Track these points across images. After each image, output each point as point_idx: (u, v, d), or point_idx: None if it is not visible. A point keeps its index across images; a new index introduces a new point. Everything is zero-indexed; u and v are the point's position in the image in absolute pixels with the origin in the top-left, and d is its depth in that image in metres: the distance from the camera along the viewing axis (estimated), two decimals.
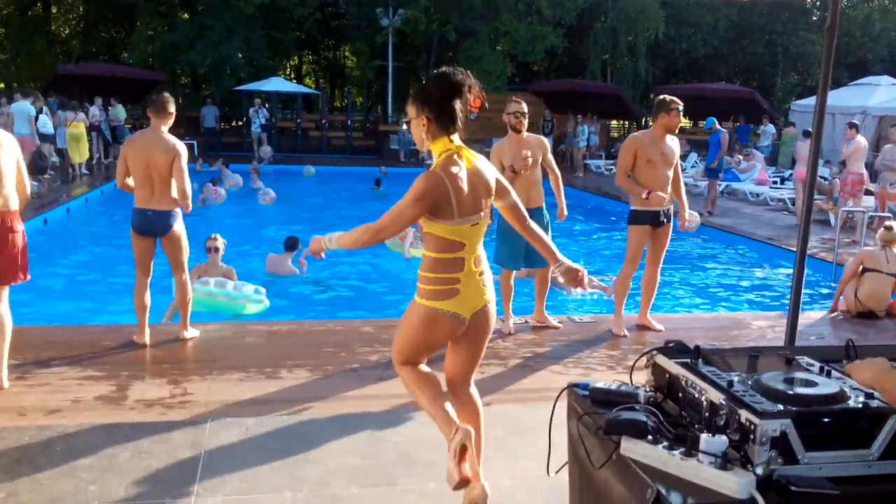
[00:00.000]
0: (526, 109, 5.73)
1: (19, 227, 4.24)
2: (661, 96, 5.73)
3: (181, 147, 5.03)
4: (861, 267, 6.72)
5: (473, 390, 3.13)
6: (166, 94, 5.18)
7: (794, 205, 13.58)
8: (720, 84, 26.67)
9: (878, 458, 1.82)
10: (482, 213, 2.87)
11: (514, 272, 5.94)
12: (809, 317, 6.97)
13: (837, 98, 21.71)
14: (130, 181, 5.06)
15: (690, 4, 28.80)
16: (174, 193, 5.03)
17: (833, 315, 6.82)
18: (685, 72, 31.65)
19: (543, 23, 24.61)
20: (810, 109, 21.48)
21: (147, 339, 5.15)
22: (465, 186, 2.79)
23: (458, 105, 2.87)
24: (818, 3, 30.37)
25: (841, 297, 6.87)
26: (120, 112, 19.71)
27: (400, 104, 26.18)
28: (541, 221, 5.70)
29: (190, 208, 5.12)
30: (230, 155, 20.43)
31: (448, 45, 25.27)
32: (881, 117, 18.54)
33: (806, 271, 9.79)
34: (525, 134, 5.66)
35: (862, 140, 11.70)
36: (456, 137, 2.89)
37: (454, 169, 2.80)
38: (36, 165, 13.35)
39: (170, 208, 5.02)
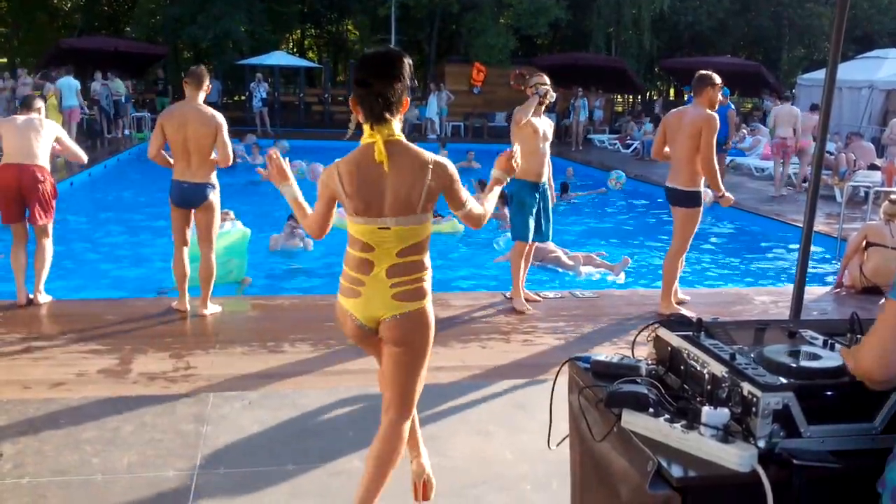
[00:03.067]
0: (548, 81, 5.70)
1: (47, 177, 5.33)
2: (701, 71, 5.65)
3: (221, 118, 5.09)
4: (865, 242, 6.69)
5: (397, 429, 2.65)
6: (202, 67, 5.28)
7: (800, 180, 13.53)
8: (725, 58, 26.42)
9: (881, 431, 1.81)
10: (394, 219, 2.50)
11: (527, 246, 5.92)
12: (813, 292, 6.95)
13: (844, 71, 21.45)
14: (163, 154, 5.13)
15: None
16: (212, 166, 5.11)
17: (837, 290, 6.80)
18: (690, 45, 31.34)
19: None
20: (817, 83, 21.37)
21: (188, 306, 5.31)
22: (358, 185, 2.48)
23: (378, 94, 2.44)
24: None
25: (845, 272, 6.85)
26: (119, 86, 19.61)
27: None
28: (546, 195, 5.72)
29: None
30: (233, 129, 20.37)
31: (451, 18, 25.04)
32: (889, 91, 18.34)
33: (813, 247, 9.81)
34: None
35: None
36: (384, 130, 2.47)
37: (351, 166, 2.50)
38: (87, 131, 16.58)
39: (206, 181, 5.07)
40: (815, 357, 1.97)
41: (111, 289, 6.88)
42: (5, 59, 30.07)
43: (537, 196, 5.65)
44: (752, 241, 10.21)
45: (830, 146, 15.64)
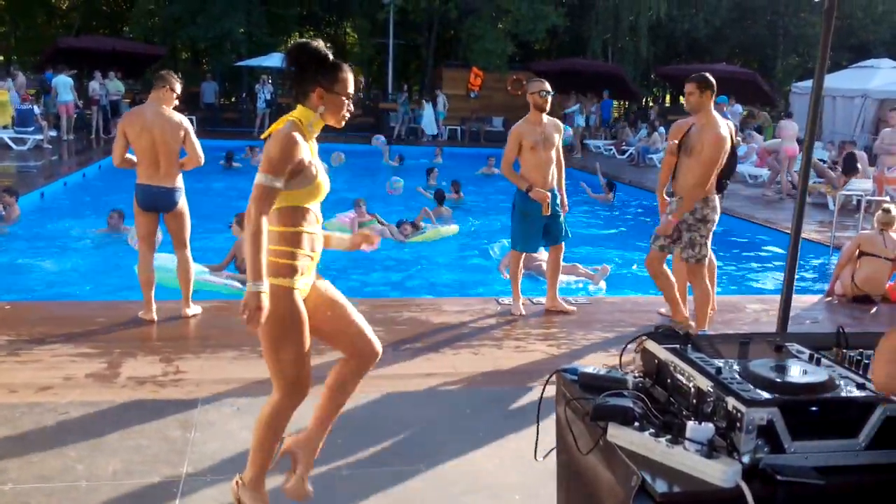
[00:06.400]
0: (550, 88, 5.61)
1: None
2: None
3: (186, 121, 5.08)
4: (858, 251, 6.70)
5: (268, 403, 2.85)
6: (168, 71, 5.24)
7: (790, 185, 13.68)
8: (721, 65, 26.50)
9: (865, 447, 1.81)
10: None
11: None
12: (805, 300, 6.96)
13: (838, 80, 21.60)
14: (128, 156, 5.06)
15: None
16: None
17: (829, 299, 6.81)
18: (687, 52, 31.45)
19: (545, 1, 24.41)
20: (811, 91, 21.43)
21: (154, 315, 5.17)
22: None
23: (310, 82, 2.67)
24: None
25: (837, 281, 6.86)
26: (118, 85, 19.62)
27: (400, 82, 26.02)
28: (554, 201, 5.67)
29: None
30: (229, 131, 20.32)
31: (450, 23, 25.07)
32: (882, 100, 18.42)
33: (803, 254, 9.82)
34: (545, 116, 5.60)
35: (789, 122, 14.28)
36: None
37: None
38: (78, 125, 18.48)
39: (175, 185, 5.03)
40: (801, 372, 1.96)
41: (103, 291, 6.85)
42: (2, 58, 29.99)
43: (540, 205, 5.59)
44: (746, 248, 10.23)
45: (824, 154, 15.72)
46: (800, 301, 6.97)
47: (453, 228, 9.85)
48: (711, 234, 5.22)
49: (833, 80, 21.97)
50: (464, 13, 24.55)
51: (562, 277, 6.13)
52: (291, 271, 2.65)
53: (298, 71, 2.66)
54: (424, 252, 9.16)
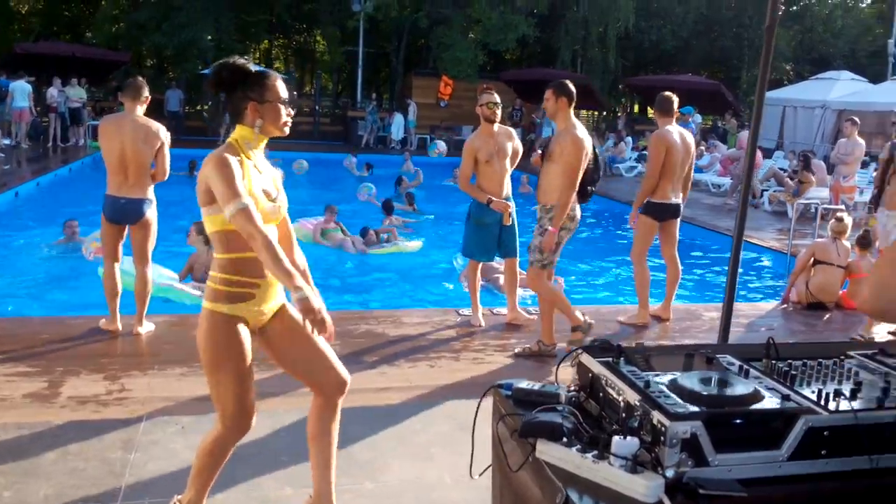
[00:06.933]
0: (499, 100, 5.63)
1: None
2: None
3: (165, 133, 4.99)
4: (812, 259, 6.79)
5: (210, 433, 2.79)
6: (140, 79, 5.12)
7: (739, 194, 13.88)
8: (688, 76, 26.86)
9: (787, 458, 1.80)
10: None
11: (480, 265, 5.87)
12: (762, 308, 7.05)
13: (799, 91, 22.06)
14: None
15: None
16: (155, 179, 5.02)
17: (785, 306, 6.89)
18: (655, 63, 31.80)
19: (516, 11, 24.57)
20: (774, 102, 21.86)
21: (119, 325, 5.10)
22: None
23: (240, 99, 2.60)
24: None
25: (793, 289, 6.94)
26: (80, 92, 19.22)
27: (370, 90, 25.98)
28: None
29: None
30: (194, 139, 20.08)
31: (420, 32, 25.10)
32: (840, 111, 18.81)
33: (764, 262, 9.91)
34: (496, 126, 5.59)
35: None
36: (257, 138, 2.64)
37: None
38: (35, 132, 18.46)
39: (144, 196, 4.96)
40: (727, 384, 1.96)
41: (52, 306, 6.69)
42: None
43: (498, 216, 5.58)
44: (707, 256, 10.32)
45: (785, 164, 15.97)
46: (757, 308, 7.05)
47: (417, 244, 9.80)
48: (565, 242, 5.08)
49: (794, 92, 22.46)
50: (434, 22, 24.60)
51: (520, 291, 6.12)
52: (228, 298, 2.58)
53: (227, 93, 2.60)
54: (386, 264, 9.11)
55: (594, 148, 5.17)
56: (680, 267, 6.22)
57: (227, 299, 2.58)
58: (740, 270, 9.06)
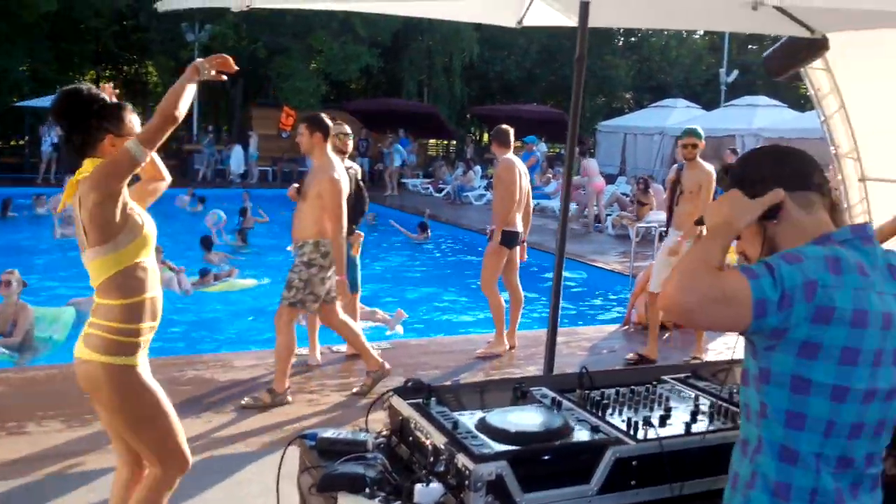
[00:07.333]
0: (349, 130, 5.54)
1: None
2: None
3: None
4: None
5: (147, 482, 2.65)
6: None
7: (594, 219, 14.58)
8: (533, 105, 27.93)
9: (598, 492, 1.73)
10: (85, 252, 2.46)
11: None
12: (605, 330, 7.24)
13: (639, 119, 23.47)
14: None
15: (503, 29, 29.95)
16: None
17: (626, 328, 7.10)
18: (500, 93, 32.84)
19: (358, 42, 24.47)
20: (615, 129, 23.16)
21: None
22: None
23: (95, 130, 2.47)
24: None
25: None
26: None
27: (207, 122, 25.01)
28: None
29: None
30: (7, 177, 18.45)
31: (259, 62, 24.46)
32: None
33: (608, 285, 10.24)
34: (347, 160, 5.41)
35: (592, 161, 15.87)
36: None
37: None
38: None
39: None
40: (537, 419, 1.87)
41: None
42: None
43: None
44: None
45: (627, 188, 16.85)
46: (600, 331, 7.23)
47: (249, 282, 9.38)
48: (320, 282, 4.70)
49: (634, 119, 23.87)
50: (273, 51, 24.06)
51: (361, 323, 5.93)
52: (134, 349, 2.47)
53: (79, 123, 2.46)
54: (217, 303, 8.64)
55: (356, 177, 5.31)
56: (522, 293, 6.26)
57: (133, 350, 2.47)
58: (587, 294, 9.42)
